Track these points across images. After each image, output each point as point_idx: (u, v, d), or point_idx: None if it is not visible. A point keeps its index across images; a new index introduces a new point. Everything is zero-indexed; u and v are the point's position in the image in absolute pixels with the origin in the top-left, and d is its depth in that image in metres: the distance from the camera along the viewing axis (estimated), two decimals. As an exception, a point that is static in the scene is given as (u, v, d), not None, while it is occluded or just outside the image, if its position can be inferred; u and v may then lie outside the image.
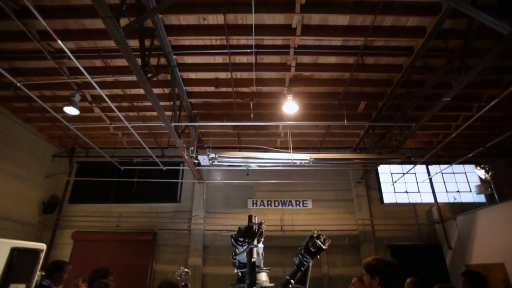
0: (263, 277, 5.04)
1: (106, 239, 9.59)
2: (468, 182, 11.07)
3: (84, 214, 10.40)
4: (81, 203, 10.64)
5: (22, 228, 9.40)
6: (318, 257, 5.27)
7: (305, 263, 4.75)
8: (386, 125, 8.39)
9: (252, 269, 4.37)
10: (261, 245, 4.73)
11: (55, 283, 3.44)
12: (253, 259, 4.25)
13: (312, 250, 4.77)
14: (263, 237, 4.78)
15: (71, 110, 7.11)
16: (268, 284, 4.92)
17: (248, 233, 4.60)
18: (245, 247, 4.58)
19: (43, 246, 6.75)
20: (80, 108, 7.26)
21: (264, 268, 5.07)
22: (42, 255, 6.43)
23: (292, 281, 4.73)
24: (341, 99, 7.74)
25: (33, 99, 6.55)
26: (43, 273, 3.79)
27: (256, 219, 4.94)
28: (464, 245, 8.93)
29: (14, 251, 5.78)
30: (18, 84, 5.85)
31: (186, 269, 5.31)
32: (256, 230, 4.74)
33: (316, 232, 5.11)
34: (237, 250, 4.75)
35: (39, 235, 9.99)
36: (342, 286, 9.08)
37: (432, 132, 9.82)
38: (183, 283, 3.40)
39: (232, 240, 4.86)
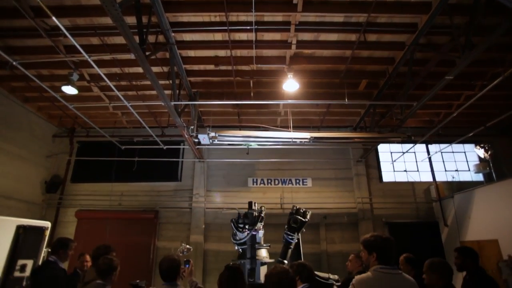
0: (263, 253, 5.19)
1: (109, 217, 9.79)
2: (467, 161, 11.13)
3: (86, 193, 10.53)
4: (83, 182, 10.76)
5: (27, 207, 9.56)
6: (304, 230, 5.40)
7: (291, 240, 4.87)
8: (387, 104, 8.33)
9: (253, 255, 4.49)
10: (261, 230, 4.82)
11: (61, 259, 3.54)
12: (254, 245, 4.33)
13: (294, 226, 4.88)
14: (263, 222, 4.87)
15: (69, 90, 7.04)
16: (268, 259, 5.07)
17: (248, 219, 4.69)
18: (245, 233, 4.68)
19: (47, 224, 6.91)
20: (78, 88, 7.19)
21: (264, 245, 5.21)
22: (47, 233, 6.61)
23: (285, 261, 4.87)
24: (342, 78, 7.64)
25: (31, 79, 6.47)
26: (49, 250, 3.91)
27: (256, 205, 5.02)
28: (460, 223, 9.11)
29: (20, 229, 5.93)
30: (14, 63, 5.77)
31: (188, 246, 5.45)
32: (256, 217, 4.84)
33: (294, 207, 5.20)
34: (236, 236, 4.86)
35: (43, 213, 10.16)
36: (340, 261, 9.34)
37: (433, 111, 9.77)
38: (185, 259, 3.48)
39: (233, 225, 4.97)
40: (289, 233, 4.89)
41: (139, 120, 7.96)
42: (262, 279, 4.70)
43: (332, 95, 8.47)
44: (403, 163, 11.07)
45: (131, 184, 10.62)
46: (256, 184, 10.63)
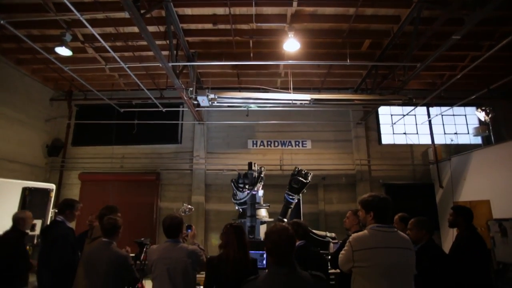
0: (263, 212, 5.36)
1: (111, 179, 10.04)
2: (467, 124, 11.13)
3: (88, 156, 10.67)
4: (84, 146, 10.85)
5: (30, 170, 9.73)
6: (304, 191, 5.52)
7: (291, 200, 5.01)
8: (390, 65, 8.13)
9: (253, 213, 4.64)
10: (261, 190, 4.93)
11: (68, 219, 3.67)
12: (254, 204, 4.45)
13: (295, 186, 4.99)
14: (263, 182, 4.98)
15: (63, 51, 6.81)
16: (267, 218, 5.25)
17: (248, 179, 4.78)
18: (245, 193, 4.80)
19: (52, 186, 7.10)
20: (72, 49, 6.96)
21: (264, 205, 5.37)
22: (53, 194, 6.81)
23: (284, 219, 5.04)
24: (345, 37, 7.38)
25: (22, 40, 6.24)
26: (56, 211, 4.05)
27: (256, 165, 5.10)
28: (455, 184, 9.33)
29: (26, 191, 6.11)
30: (2, 22, 5.52)
31: (189, 206, 5.64)
32: (256, 177, 4.93)
33: (296, 169, 5.29)
34: (237, 196, 4.99)
35: (47, 176, 10.37)
36: (337, 221, 9.71)
37: (436, 73, 9.56)
38: (187, 225, 3.62)
39: (233, 185, 5.08)
40: (290, 193, 5.02)
41: (137, 82, 7.82)
42: (262, 236, 4.92)
43: (334, 55, 8.23)
44: (402, 125, 11.07)
45: (131, 147, 10.70)
46: (256, 146, 10.72)
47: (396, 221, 3.43)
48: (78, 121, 10.91)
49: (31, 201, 6.12)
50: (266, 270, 3.43)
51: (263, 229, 5.00)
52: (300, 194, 5.19)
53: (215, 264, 2.45)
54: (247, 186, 4.81)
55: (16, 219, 3.83)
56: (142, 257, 4.18)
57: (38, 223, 5.82)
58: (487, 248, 3.26)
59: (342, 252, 2.19)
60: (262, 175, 4.97)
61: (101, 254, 2.67)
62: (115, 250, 2.71)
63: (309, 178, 5.19)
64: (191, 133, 10.81)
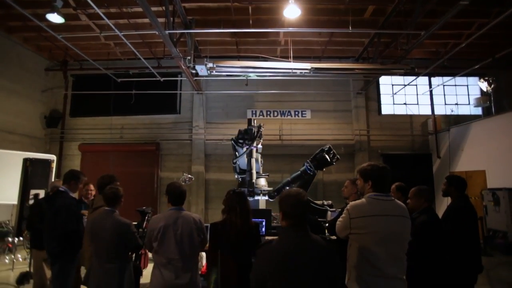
0: (262, 182, 5.43)
1: (111, 150, 10.10)
2: (468, 95, 11.02)
3: (87, 127, 10.67)
4: (83, 117, 10.82)
5: (30, 141, 9.76)
6: (324, 170, 5.51)
7: (309, 171, 5.04)
8: (393, 33, 7.89)
9: (251, 167, 4.68)
10: (260, 146, 4.94)
11: (71, 189, 3.72)
12: (252, 159, 4.51)
13: (319, 161, 5.00)
14: (262, 139, 4.99)
15: (54, 18, 6.52)
16: (266, 188, 5.33)
17: (247, 135, 4.79)
18: (245, 149, 4.83)
19: (53, 157, 7.16)
20: (64, 16, 6.67)
21: (263, 174, 5.42)
22: (54, 165, 6.88)
23: (292, 184, 5.10)
24: (348, 3, 7.10)
25: (10, 5, 5.98)
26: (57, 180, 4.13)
27: (255, 122, 5.07)
28: (452, 155, 9.42)
29: (27, 161, 6.16)
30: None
31: (189, 175, 5.72)
32: (255, 132, 4.93)
33: (328, 146, 5.27)
34: (237, 152, 5.03)
35: (47, 147, 10.42)
36: (335, 190, 9.89)
37: (440, 41, 9.30)
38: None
39: (233, 142, 5.09)
40: (311, 164, 5.04)
41: (133, 51, 7.61)
42: (261, 206, 5.02)
43: (336, 22, 7.96)
44: (403, 96, 10.96)
45: (130, 117, 10.65)
46: (255, 116, 10.68)
47: (393, 190, 3.49)
48: (75, 92, 10.77)
49: (33, 171, 6.19)
50: (267, 237, 3.51)
51: (262, 201, 5.09)
52: (316, 171, 5.18)
53: (219, 229, 2.54)
54: (246, 141, 4.87)
55: (53, 187, 3.93)
56: (144, 225, 4.30)
57: (41, 193, 5.91)
58: (476, 217, 3.34)
59: (340, 219, 2.24)
60: (261, 130, 5.01)
61: (104, 222, 2.74)
62: (118, 218, 2.78)
63: (334, 162, 5.18)
64: (189, 103, 10.72)
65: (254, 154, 4.89)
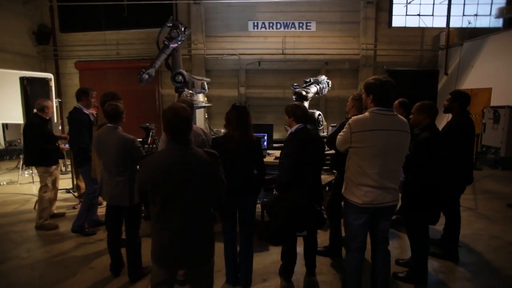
0: (200, 98, 5.50)
1: (109, 68, 9.78)
2: (491, 3, 10.03)
3: (81, 43, 10.21)
4: (74, 32, 10.23)
5: (23, 59, 9.45)
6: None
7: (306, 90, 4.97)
8: None
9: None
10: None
11: (85, 106, 3.98)
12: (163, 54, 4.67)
13: (302, 96, 4.84)
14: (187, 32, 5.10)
15: None
16: (205, 104, 5.39)
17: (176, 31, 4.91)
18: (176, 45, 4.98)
19: (49, 75, 6.96)
20: None
21: (202, 89, 5.50)
22: (52, 84, 6.73)
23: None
24: None
25: None
26: (60, 100, 4.18)
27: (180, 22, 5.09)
28: (461, 72, 9.11)
29: (24, 80, 6.03)
30: None
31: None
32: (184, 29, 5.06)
33: (318, 113, 5.01)
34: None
35: (42, 66, 10.16)
36: (336, 106, 9.92)
37: None
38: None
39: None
40: (297, 86, 5.04)
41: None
42: (197, 123, 4.98)
43: None
44: (417, 6, 10.06)
45: (125, 31, 10.08)
46: (257, 28, 10.05)
47: (395, 106, 3.45)
48: (61, 3, 9.89)
49: (32, 90, 6.10)
50: (269, 151, 3.63)
51: (199, 114, 5.18)
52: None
53: (221, 143, 2.59)
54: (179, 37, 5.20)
55: (39, 106, 4.09)
56: (149, 141, 4.43)
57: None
58: (474, 133, 3.37)
59: (341, 133, 2.27)
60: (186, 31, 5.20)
61: (108, 138, 2.77)
62: (121, 134, 2.80)
63: (318, 126, 4.96)
64: (187, 15, 9.96)
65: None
